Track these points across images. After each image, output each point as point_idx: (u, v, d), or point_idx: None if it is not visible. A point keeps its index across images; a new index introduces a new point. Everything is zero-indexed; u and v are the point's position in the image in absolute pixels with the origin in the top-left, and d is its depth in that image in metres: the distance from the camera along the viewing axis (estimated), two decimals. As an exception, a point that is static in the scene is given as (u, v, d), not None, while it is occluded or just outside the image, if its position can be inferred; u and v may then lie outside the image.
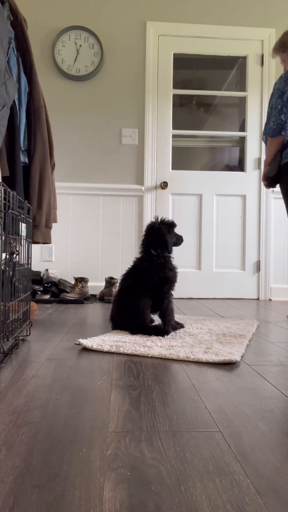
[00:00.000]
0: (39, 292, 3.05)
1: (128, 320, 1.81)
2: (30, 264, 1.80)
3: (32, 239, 2.20)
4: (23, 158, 2.31)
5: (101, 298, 3.19)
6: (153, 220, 1.96)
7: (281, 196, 3.53)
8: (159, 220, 1.93)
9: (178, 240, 1.99)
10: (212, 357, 1.41)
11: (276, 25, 3.54)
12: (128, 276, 1.90)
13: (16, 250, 1.47)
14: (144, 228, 3.40)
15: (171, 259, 1.91)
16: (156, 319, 1.93)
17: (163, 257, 1.87)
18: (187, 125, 3.93)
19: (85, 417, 0.92)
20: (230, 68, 3.82)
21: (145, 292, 1.82)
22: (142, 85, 3.47)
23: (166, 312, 1.84)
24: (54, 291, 3.11)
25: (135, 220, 3.47)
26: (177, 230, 1.99)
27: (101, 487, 0.65)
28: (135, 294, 1.81)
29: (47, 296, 3.05)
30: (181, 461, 0.73)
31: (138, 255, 1.95)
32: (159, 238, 1.87)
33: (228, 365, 1.36)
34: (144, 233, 1.96)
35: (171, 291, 1.89)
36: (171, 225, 1.94)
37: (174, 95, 3.56)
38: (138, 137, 3.47)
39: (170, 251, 1.91)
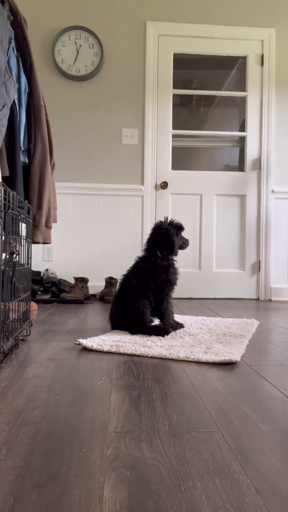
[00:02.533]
0: (39, 292, 3.05)
1: (128, 320, 1.81)
2: (30, 264, 1.80)
3: (32, 239, 2.20)
4: (23, 158, 2.31)
5: (101, 298, 3.19)
6: (162, 220, 1.95)
7: (280, 196, 3.54)
8: (168, 221, 1.93)
9: (184, 244, 2.00)
10: (212, 357, 1.41)
11: (276, 25, 3.54)
12: (130, 276, 1.89)
13: (16, 250, 1.47)
14: (143, 228, 3.43)
15: (174, 262, 1.91)
16: (155, 320, 1.93)
17: (167, 260, 1.87)
18: (187, 125, 3.93)
19: (85, 417, 0.92)
20: (230, 68, 3.82)
21: (145, 293, 1.82)
22: (142, 85, 3.47)
23: (165, 313, 1.85)
24: (54, 291, 3.11)
25: (135, 220, 3.47)
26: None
27: (101, 487, 0.65)
28: (136, 294, 1.81)
29: (47, 296, 3.05)
30: (181, 461, 0.73)
31: (141, 255, 1.95)
32: (167, 239, 1.87)
33: (228, 365, 1.36)
34: (150, 233, 1.95)
35: (171, 293, 1.89)
36: (179, 227, 1.94)
37: (174, 95, 3.56)
38: (138, 137, 3.47)
39: (176, 254, 1.91)
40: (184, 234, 2.03)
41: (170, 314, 1.87)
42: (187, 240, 2.01)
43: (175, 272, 1.89)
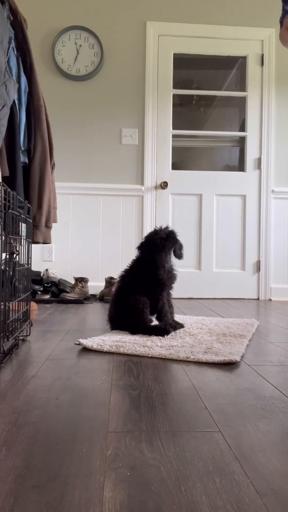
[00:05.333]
0: (39, 292, 3.05)
1: (127, 320, 1.81)
2: (30, 264, 1.80)
3: (32, 239, 2.20)
4: (23, 158, 2.31)
5: (101, 298, 3.19)
6: (156, 228, 1.89)
7: (280, 196, 3.54)
8: (158, 229, 1.86)
9: (176, 254, 1.89)
10: (212, 357, 1.41)
11: (276, 25, 3.53)
12: (126, 276, 1.90)
13: (16, 250, 1.47)
14: (143, 228, 3.43)
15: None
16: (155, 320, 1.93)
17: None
18: (187, 125, 3.93)
19: (85, 417, 0.92)
20: (230, 68, 3.82)
21: (143, 292, 1.81)
22: (142, 85, 3.47)
23: (161, 313, 1.84)
24: (54, 291, 3.11)
25: (135, 220, 3.47)
26: (178, 231, 1.94)
27: (101, 487, 0.65)
28: (134, 293, 1.81)
29: (47, 296, 3.05)
30: (181, 461, 0.73)
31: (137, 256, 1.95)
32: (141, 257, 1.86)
33: (228, 365, 1.36)
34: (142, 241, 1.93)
35: (165, 293, 1.87)
36: (155, 243, 1.81)
37: (174, 95, 3.56)
38: (138, 137, 3.47)
39: (160, 268, 1.81)
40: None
41: (167, 314, 1.86)
42: (179, 249, 1.89)
43: (166, 272, 1.85)
